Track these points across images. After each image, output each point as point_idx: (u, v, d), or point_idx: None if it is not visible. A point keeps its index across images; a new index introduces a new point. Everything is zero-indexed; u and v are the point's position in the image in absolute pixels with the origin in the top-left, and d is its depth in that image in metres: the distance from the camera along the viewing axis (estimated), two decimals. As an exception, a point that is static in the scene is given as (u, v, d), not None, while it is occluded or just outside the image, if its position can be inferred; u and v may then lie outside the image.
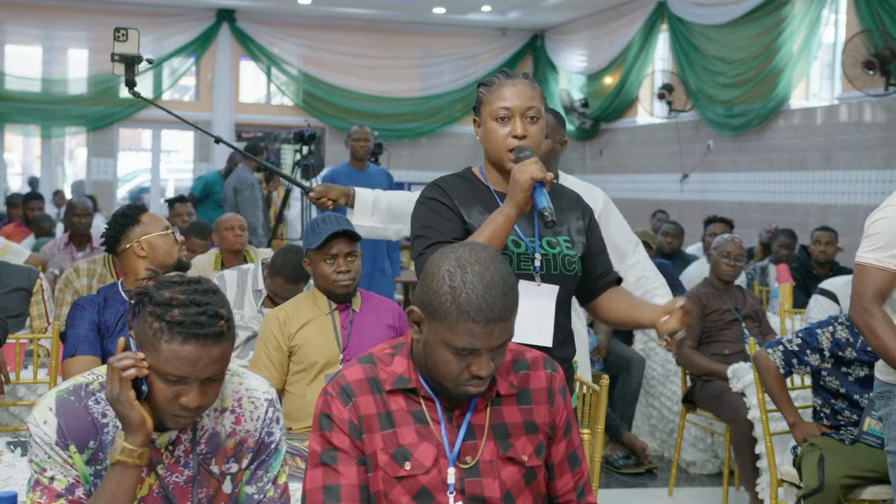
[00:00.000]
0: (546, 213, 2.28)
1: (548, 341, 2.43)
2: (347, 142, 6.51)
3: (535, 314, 2.40)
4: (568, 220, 2.53)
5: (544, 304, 2.42)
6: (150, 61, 4.11)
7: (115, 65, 4.03)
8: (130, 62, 4.03)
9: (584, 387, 3.02)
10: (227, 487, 2.00)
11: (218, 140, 4.10)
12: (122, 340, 1.90)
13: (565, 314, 2.50)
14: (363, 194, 3.56)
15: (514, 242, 2.42)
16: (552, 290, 2.43)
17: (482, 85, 2.49)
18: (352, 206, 3.56)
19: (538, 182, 2.30)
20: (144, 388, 1.85)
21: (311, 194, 3.54)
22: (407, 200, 3.45)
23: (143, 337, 1.86)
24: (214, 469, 1.99)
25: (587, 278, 2.56)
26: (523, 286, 2.38)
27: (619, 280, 2.65)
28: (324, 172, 6.86)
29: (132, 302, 1.89)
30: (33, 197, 9.14)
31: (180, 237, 3.33)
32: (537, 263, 2.42)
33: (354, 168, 6.48)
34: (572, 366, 2.60)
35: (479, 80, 14.81)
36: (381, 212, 3.53)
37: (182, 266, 3.26)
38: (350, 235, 3.34)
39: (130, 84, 4.04)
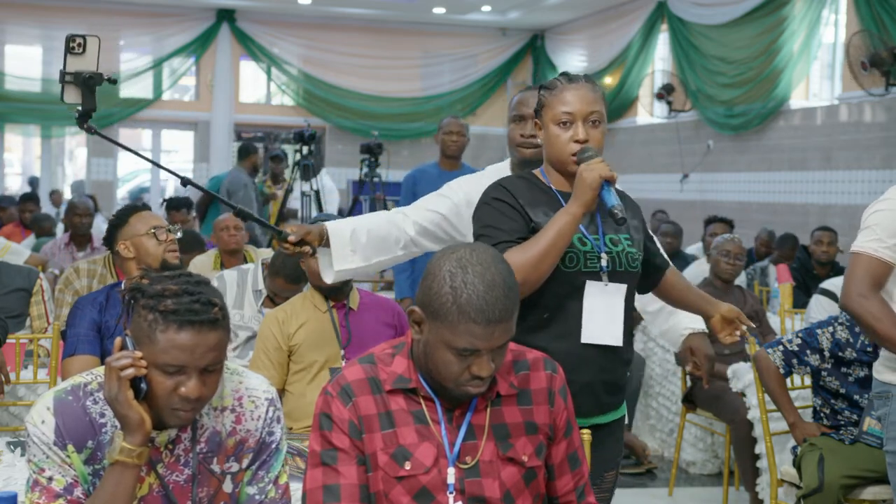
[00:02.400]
0: (617, 211, 2.30)
1: (618, 341, 2.43)
2: (437, 136, 5.53)
3: (604, 314, 2.40)
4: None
5: (613, 303, 2.41)
6: (111, 81, 2.91)
7: (67, 89, 2.81)
8: (90, 84, 2.81)
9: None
10: (227, 487, 2.00)
11: (185, 182, 2.93)
12: (118, 340, 1.90)
13: (630, 313, 2.50)
14: (337, 229, 2.81)
15: (580, 241, 2.41)
16: (620, 290, 2.42)
17: (543, 88, 2.48)
18: (327, 245, 2.82)
19: (605, 181, 2.32)
20: (143, 386, 1.85)
21: (291, 238, 2.74)
22: (387, 223, 2.87)
23: (139, 332, 1.86)
24: (215, 468, 1.98)
25: (647, 269, 2.60)
26: (590, 286, 2.39)
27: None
28: (407, 174, 5.66)
29: (126, 299, 1.90)
30: (28, 199, 9.11)
31: (169, 236, 3.30)
32: (604, 262, 2.41)
33: (444, 169, 5.35)
34: (628, 370, 2.58)
35: (481, 78, 14.79)
36: (362, 245, 2.82)
37: (168, 268, 3.22)
38: None
39: (86, 116, 2.84)
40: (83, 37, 2.81)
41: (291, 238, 2.74)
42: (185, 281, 1.89)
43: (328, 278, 2.87)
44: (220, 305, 1.89)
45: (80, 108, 2.81)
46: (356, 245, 2.81)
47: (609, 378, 2.44)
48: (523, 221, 2.40)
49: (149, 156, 13.60)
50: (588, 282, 2.39)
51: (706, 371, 2.97)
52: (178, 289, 1.86)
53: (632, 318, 2.53)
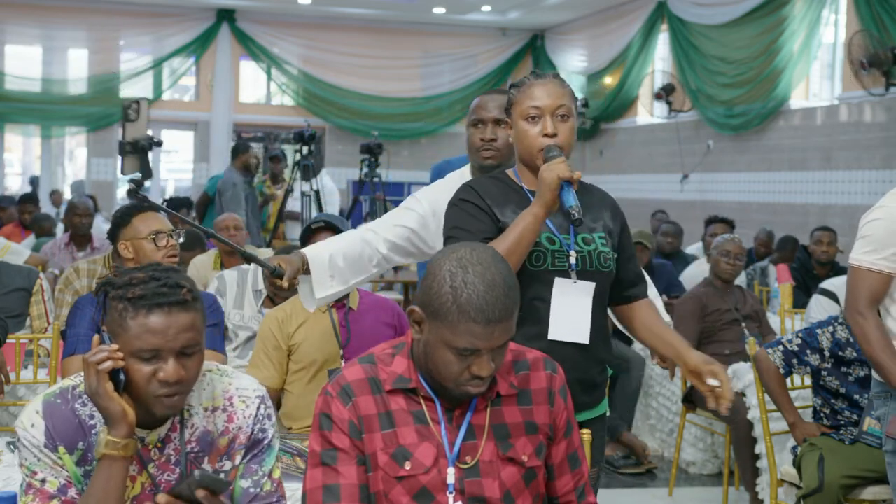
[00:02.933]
0: (573, 212, 2.30)
1: (584, 339, 2.43)
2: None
3: (571, 311, 2.41)
4: (602, 217, 2.53)
5: (581, 301, 2.42)
6: (157, 143, 2.92)
7: (127, 160, 2.75)
8: (144, 150, 2.80)
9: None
10: None
11: (209, 234, 2.83)
12: (96, 338, 1.90)
13: (602, 312, 2.49)
14: (316, 256, 2.83)
15: (548, 240, 2.42)
16: (588, 287, 2.43)
17: (513, 86, 2.51)
18: (307, 272, 2.84)
19: (565, 181, 2.32)
20: (122, 376, 1.85)
21: (285, 283, 2.77)
22: (361, 243, 2.88)
23: (113, 324, 1.87)
24: (207, 468, 1.98)
25: (615, 282, 2.55)
26: (559, 283, 2.39)
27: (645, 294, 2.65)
28: (434, 164, 5.59)
29: (98, 297, 1.91)
30: (27, 200, 9.09)
31: (170, 241, 3.29)
32: (573, 261, 2.42)
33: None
34: (606, 369, 2.57)
35: (481, 78, 14.85)
36: (340, 270, 2.85)
37: None
38: (332, 228, 3.35)
39: (141, 183, 2.77)
40: (136, 101, 2.75)
41: (285, 283, 2.75)
42: (153, 268, 1.91)
43: (310, 306, 2.89)
44: (189, 288, 1.89)
45: (137, 176, 2.75)
46: (335, 270, 2.84)
47: (583, 377, 2.45)
48: (491, 222, 2.43)
49: (148, 157, 13.27)
50: (557, 279, 2.40)
51: (672, 363, 2.94)
52: (145, 276, 1.88)
53: (605, 317, 2.52)
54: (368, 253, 2.88)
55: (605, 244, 2.48)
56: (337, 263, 2.84)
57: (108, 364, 1.84)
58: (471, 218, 2.44)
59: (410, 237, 2.88)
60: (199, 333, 1.89)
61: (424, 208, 2.88)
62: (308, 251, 2.84)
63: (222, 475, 1.99)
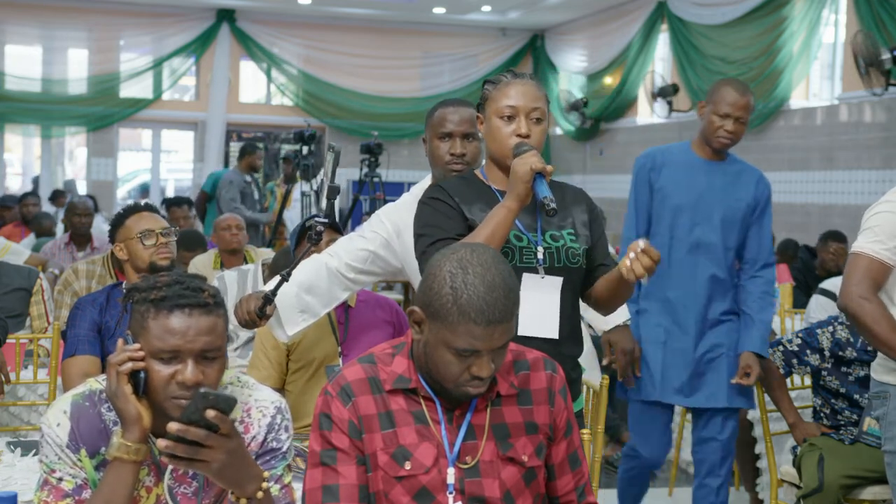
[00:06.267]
0: (547, 202, 2.31)
1: (554, 333, 2.44)
2: (703, 111, 3.89)
3: (540, 307, 2.41)
4: (573, 214, 2.53)
5: (549, 296, 2.43)
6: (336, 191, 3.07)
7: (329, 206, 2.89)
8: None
9: (585, 387, 3.03)
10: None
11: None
12: (120, 341, 1.91)
13: (572, 308, 2.50)
14: (283, 295, 2.81)
15: (516, 237, 2.43)
16: (556, 282, 2.43)
17: (488, 83, 2.51)
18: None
19: (538, 173, 2.33)
20: (142, 375, 1.86)
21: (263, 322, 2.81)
22: (327, 275, 2.92)
23: (136, 325, 1.89)
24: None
25: (587, 270, 2.55)
26: (527, 279, 2.40)
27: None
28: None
29: (125, 303, 1.92)
30: (29, 194, 9.11)
31: (160, 240, 3.26)
32: (540, 256, 2.43)
33: (705, 159, 4.03)
34: (579, 365, 2.58)
35: (480, 78, 14.86)
36: (309, 304, 2.90)
37: (158, 269, 3.20)
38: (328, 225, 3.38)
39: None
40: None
41: (263, 324, 2.80)
42: (177, 274, 1.94)
43: (282, 338, 2.97)
44: (212, 293, 1.91)
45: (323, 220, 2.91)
46: (304, 305, 2.91)
47: None
48: (461, 219, 2.45)
49: (148, 157, 13.44)
50: (525, 274, 2.41)
51: (622, 364, 3.19)
52: (170, 279, 1.90)
53: (577, 314, 2.52)
54: (335, 281, 2.92)
55: (574, 241, 2.49)
56: (304, 299, 2.90)
57: (128, 365, 1.86)
58: (441, 215, 2.45)
59: (375, 260, 2.92)
60: (219, 339, 1.90)
61: (388, 230, 2.91)
62: (272, 289, 2.80)
63: None
